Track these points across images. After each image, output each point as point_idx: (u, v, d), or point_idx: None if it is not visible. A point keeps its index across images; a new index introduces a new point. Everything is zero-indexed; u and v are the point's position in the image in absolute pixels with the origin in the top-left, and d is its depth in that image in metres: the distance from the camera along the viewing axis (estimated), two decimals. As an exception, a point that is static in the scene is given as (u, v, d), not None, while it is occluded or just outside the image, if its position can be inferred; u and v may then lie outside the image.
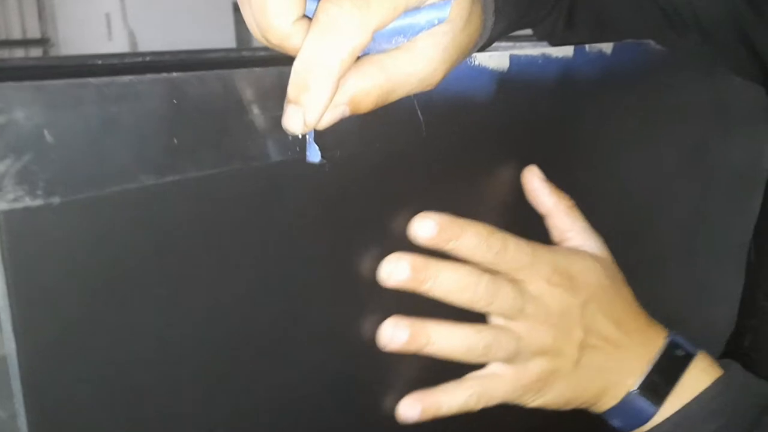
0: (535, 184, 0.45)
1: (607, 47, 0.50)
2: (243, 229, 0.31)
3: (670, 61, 0.57)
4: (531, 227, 0.48)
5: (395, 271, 0.37)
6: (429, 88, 0.35)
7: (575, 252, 0.44)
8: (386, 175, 0.37)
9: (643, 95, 0.57)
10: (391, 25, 0.31)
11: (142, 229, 0.28)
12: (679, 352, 0.45)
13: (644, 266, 0.66)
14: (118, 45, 2.49)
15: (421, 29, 0.32)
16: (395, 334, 0.37)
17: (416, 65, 0.33)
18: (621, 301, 0.45)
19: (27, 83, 0.24)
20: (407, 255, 0.37)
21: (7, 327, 0.25)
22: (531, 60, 0.44)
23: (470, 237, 0.39)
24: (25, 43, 2.88)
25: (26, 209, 0.25)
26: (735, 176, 0.72)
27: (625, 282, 0.46)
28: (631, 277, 0.66)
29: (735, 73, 0.61)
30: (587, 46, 0.48)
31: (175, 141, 0.28)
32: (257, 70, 0.31)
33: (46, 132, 0.25)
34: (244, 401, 0.33)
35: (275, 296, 0.33)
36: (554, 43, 0.63)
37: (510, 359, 0.40)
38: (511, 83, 0.43)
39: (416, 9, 0.31)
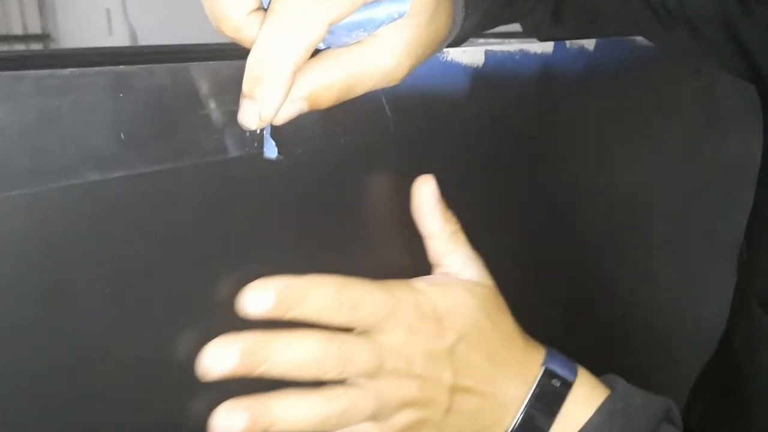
0: (425, 200, 0.39)
1: (588, 43, 0.49)
2: (194, 229, 0.31)
3: (657, 57, 0.56)
4: (505, 227, 0.47)
5: (220, 362, 0.31)
6: (394, 83, 0.34)
7: (446, 285, 0.40)
8: (351, 173, 0.37)
9: (628, 93, 0.56)
10: (349, 19, 0.30)
11: (87, 228, 0.27)
12: (556, 382, 0.41)
13: (634, 266, 0.65)
14: (119, 40, 2.48)
15: (381, 23, 0.31)
16: (231, 422, 0.32)
17: (379, 59, 0.32)
18: (497, 332, 0.41)
19: (-44, 75, 0.23)
20: (237, 339, 0.32)
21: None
22: (508, 56, 0.43)
23: (315, 300, 0.34)
24: (26, 38, 2.89)
25: (-41, 205, 0.24)
26: (726, 173, 0.71)
27: (506, 309, 0.42)
28: (622, 277, 0.65)
29: (724, 71, 0.59)
30: (568, 42, 0.47)
31: (122, 136, 0.27)
32: (212, 63, 0.30)
33: (-22, 125, 0.24)
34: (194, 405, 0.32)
35: (222, 299, 0.32)
36: (542, 38, 0.62)
37: (373, 418, 0.37)
38: (486, 79, 0.42)
39: (376, 2, 0.30)
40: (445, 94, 0.40)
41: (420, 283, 0.39)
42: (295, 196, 0.34)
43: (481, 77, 0.42)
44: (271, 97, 0.29)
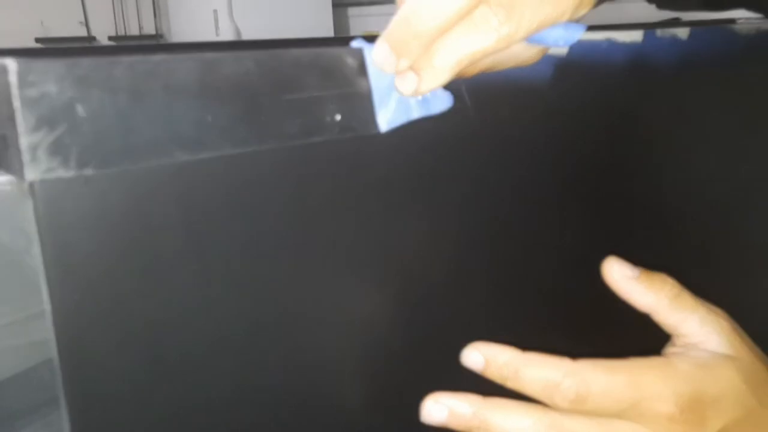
0: (622, 283, 0.37)
1: (682, 32, 0.47)
2: (276, 210, 0.32)
3: (760, 48, 0.53)
4: (586, 232, 0.45)
5: (432, 415, 0.33)
6: (529, 63, 0.36)
7: (711, 363, 0.34)
8: (424, 165, 0.37)
9: (727, 87, 0.53)
10: None
11: (176, 205, 0.29)
12: None
13: (728, 280, 0.61)
14: (225, 40, 2.60)
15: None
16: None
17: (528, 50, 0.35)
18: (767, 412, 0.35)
19: (60, 60, 0.25)
20: (453, 399, 0.33)
21: (44, 290, 0.27)
22: (594, 45, 0.42)
23: (529, 378, 0.33)
24: (140, 38, 3.07)
25: (59, 180, 0.26)
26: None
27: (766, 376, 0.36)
28: (714, 293, 0.61)
29: None
30: (659, 31, 0.46)
31: (209, 119, 0.29)
32: (293, 51, 0.31)
33: (78, 106, 0.26)
34: (280, 387, 0.33)
35: (307, 281, 0.33)
36: (677, 8, 0.62)
37: None
38: (570, 70, 0.41)
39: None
40: (527, 84, 0.40)
41: (683, 363, 0.34)
42: (375, 184, 0.35)
43: (564, 67, 0.41)
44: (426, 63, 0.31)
